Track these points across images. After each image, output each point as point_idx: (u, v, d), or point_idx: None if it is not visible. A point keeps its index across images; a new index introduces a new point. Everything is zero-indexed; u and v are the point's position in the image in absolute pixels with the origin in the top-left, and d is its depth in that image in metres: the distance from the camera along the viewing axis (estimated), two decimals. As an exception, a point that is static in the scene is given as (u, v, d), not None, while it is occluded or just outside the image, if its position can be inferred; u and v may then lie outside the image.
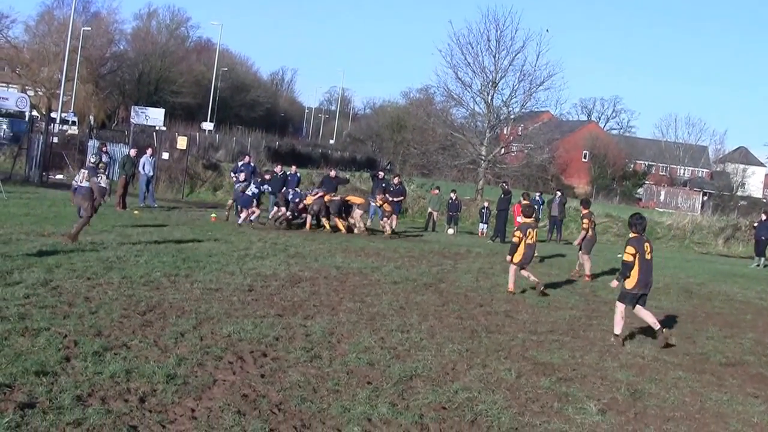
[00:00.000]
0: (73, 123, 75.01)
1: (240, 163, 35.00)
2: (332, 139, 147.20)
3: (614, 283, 15.48)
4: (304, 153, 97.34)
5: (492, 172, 61.08)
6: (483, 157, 59.31)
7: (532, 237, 19.43)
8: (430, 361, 11.81)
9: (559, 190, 44.54)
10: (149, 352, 10.73)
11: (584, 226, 23.61)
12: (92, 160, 25.71)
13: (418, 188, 53.57)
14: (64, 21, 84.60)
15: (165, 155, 45.69)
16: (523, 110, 62.58)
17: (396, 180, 37.39)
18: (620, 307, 14.70)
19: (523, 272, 19.47)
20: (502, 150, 63.46)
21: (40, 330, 11.12)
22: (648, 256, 14.60)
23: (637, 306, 14.77)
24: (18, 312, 12.05)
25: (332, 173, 36.88)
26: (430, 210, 41.35)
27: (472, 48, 59.42)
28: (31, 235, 20.54)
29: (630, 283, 14.59)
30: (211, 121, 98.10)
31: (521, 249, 19.12)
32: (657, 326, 14.74)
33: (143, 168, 35.02)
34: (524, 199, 24.95)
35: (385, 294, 17.38)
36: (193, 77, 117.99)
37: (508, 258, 19.28)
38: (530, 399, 10.46)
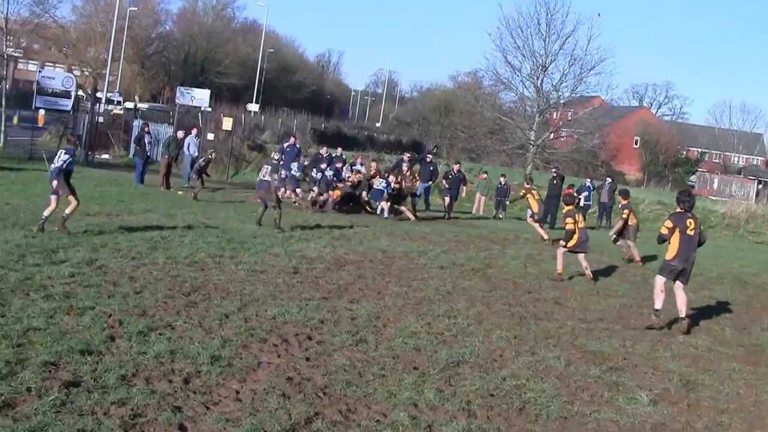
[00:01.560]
0: (119, 103, 75.28)
1: (285, 144, 34.96)
2: (378, 122, 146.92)
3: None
4: (350, 135, 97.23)
5: (541, 157, 60.64)
6: (532, 142, 58.93)
7: (581, 222, 19.24)
8: (478, 348, 11.66)
9: (609, 177, 44.13)
10: (194, 333, 10.68)
11: (623, 215, 23.43)
12: (275, 157, 26.10)
13: (466, 173, 53.29)
14: (111, 1, 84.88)
15: (210, 136, 45.67)
16: (573, 95, 62.02)
17: (456, 167, 37.05)
18: (659, 281, 14.59)
19: (580, 257, 19.29)
20: (552, 135, 63.01)
21: (85, 309, 11.10)
22: (690, 232, 14.45)
23: (677, 283, 14.57)
24: (63, 291, 12.06)
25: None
26: (478, 194, 41.09)
27: (522, 31, 59.01)
28: (77, 215, 20.52)
29: (669, 254, 14.54)
30: (256, 102, 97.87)
31: (577, 235, 18.97)
32: (682, 314, 14.53)
33: (188, 148, 35.00)
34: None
35: (431, 279, 17.22)
36: (239, 58, 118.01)
37: (562, 243, 19.10)
38: (580, 388, 10.30)
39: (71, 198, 17.92)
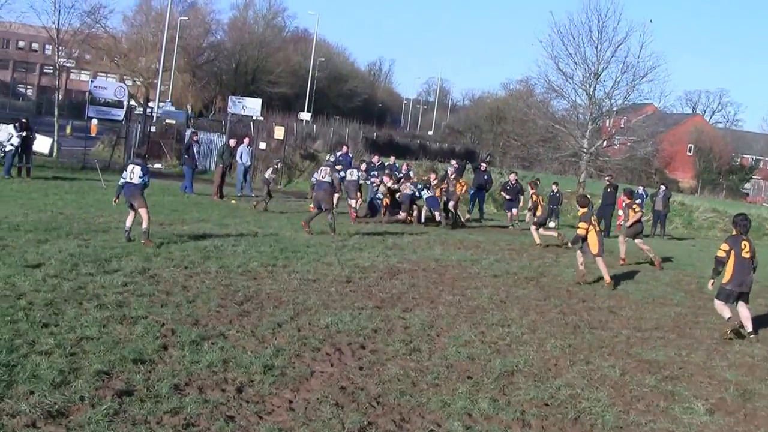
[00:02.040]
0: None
1: (338, 153, 34.92)
2: (431, 130, 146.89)
3: (711, 284, 15.30)
4: (402, 144, 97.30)
5: (594, 165, 60.16)
6: (585, 150, 58.46)
7: (595, 227, 19.31)
8: (532, 357, 11.55)
9: (663, 184, 43.57)
10: (246, 342, 10.66)
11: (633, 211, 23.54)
12: (331, 159, 26.26)
13: (519, 180, 52.89)
14: (161, 11, 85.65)
15: (262, 145, 45.83)
16: (625, 102, 61.41)
17: (513, 177, 36.75)
18: (719, 304, 14.66)
19: (598, 261, 19.17)
20: (605, 143, 62.52)
21: (137, 318, 11.14)
22: (746, 255, 14.43)
23: (739, 303, 14.53)
24: (116, 300, 12.11)
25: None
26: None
27: (574, 39, 58.40)
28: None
29: (725, 278, 14.53)
30: (308, 111, 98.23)
31: (595, 239, 18.93)
32: (749, 329, 14.45)
33: (241, 157, 35.12)
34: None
35: (485, 287, 17.09)
36: (290, 67, 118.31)
37: (571, 245, 19.08)
38: (635, 397, 10.15)
39: (144, 211, 18.24)
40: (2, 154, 31.99)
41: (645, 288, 19.03)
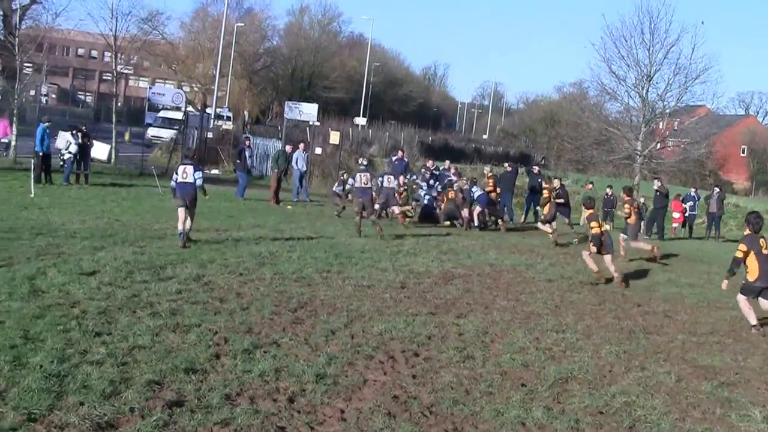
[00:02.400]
0: (228, 118, 76.11)
1: (394, 158, 34.91)
2: (485, 134, 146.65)
3: (725, 285, 15.59)
4: (458, 148, 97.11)
5: (648, 168, 59.69)
6: (638, 152, 58.01)
7: (604, 225, 19.76)
8: (587, 363, 11.42)
9: (717, 186, 43.23)
10: (299, 350, 10.62)
11: (625, 210, 23.73)
12: (364, 163, 26.45)
13: (573, 183, 52.69)
14: (218, 17, 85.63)
15: (318, 150, 45.91)
16: (678, 104, 60.95)
17: (557, 183, 36.51)
18: (742, 300, 14.98)
19: (606, 259, 19.27)
20: (658, 145, 61.99)
21: (190, 326, 11.17)
22: (766, 251, 14.84)
23: (760, 299, 14.84)
24: (170, 308, 12.15)
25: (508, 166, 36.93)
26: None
27: (626, 41, 57.85)
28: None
29: (751, 276, 14.85)
30: (363, 116, 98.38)
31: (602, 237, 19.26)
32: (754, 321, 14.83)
33: (296, 163, 35.16)
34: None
35: (539, 292, 16.98)
36: (345, 72, 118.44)
37: (593, 249, 18.96)
38: (691, 404, 10.00)
39: (194, 212, 19.38)
40: (62, 162, 32.33)
41: (700, 291, 18.80)
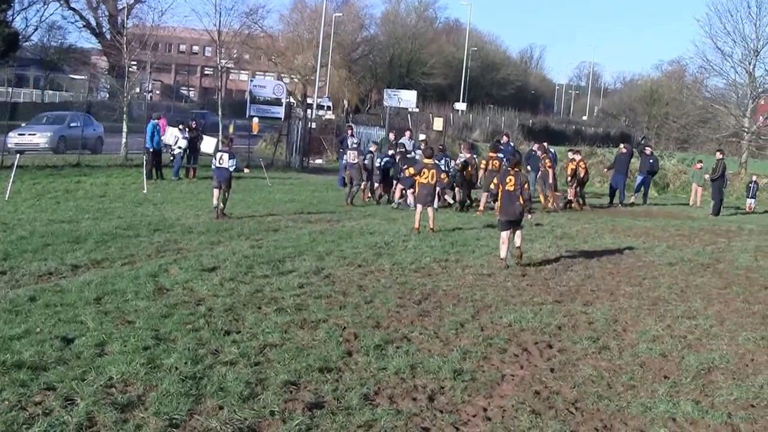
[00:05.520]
0: (329, 108, 76.34)
1: (501, 142, 34.51)
2: (585, 115, 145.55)
3: None
4: (558, 130, 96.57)
5: (756, 144, 58.51)
6: (746, 129, 56.89)
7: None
8: (726, 351, 10.97)
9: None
10: (431, 344, 10.39)
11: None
12: (354, 143, 27.66)
13: (679, 162, 51.69)
14: (317, 9, 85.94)
15: (422, 137, 45.73)
16: (787, 78, 59.70)
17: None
18: None
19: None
20: (765, 120, 60.71)
21: (318, 322, 11.01)
22: None
23: None
24: (294, 303, 12.04)
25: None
26: (694, 185, 39.66)
27: (732, 16, 57.09)
28: (299, 222, 20.70)
29: None
30: (463, 101, 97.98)
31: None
32: None
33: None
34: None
35: (662, 276, 16.50)
36: (443, 58, 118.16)
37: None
38: None
39: (229, 192, 22.18)
40: (171, 157, 32.66)
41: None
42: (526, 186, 16.75)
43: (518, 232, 16.87)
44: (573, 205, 30.36)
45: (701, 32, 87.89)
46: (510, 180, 16.83)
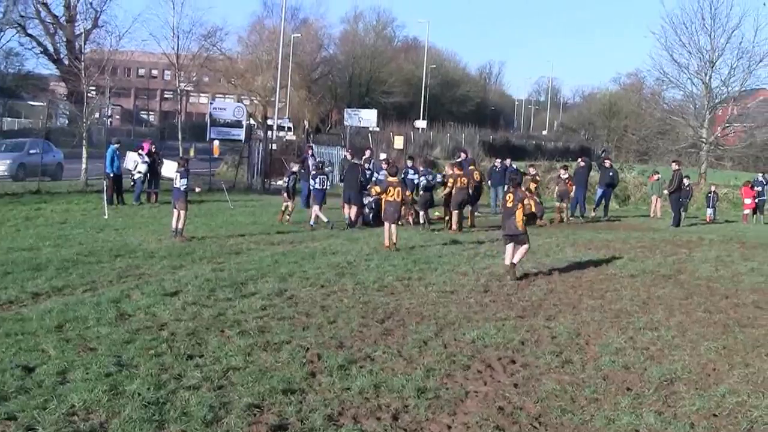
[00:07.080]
0: (289, 129, 76.32)
1: (460, 159, 34.61)
2: (545, 129, 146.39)
3: None
4: (519, 145, 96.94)
5: (714, 155, 59.11)
6: (704, 140, 57.42)
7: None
8: (688, 362, 11.07)
9: (785, 170, 42.73)
10: (394, 363, 10.41)
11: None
12: (294, 169, 27.69)
13: (639, 175, 52.09)
14: (275, 29, 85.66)
15: (382, 156, 45.81)
16: (742, 89, 60.38)
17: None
18: None
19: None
20: (722, 130, 61.31)
21: (281, 344, 11.01)
22: None
23: None
24: (257, 325, 12.03)
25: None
26: (654, 197, 39.96)
27: (687, 28, 57.64)
28: (261, 244, 20.71)
29: None
30: (423, 119, 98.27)
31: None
32: None
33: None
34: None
35: (624, 288, 16.63)
36: (402, 76, 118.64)
37: None
38: (806, 401, 9.58)
39: (184, 213, 21.85)
40: (132, 182, 32.62)
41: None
42: (526, 202, 17.32)
43: (519, 249, 17.42)
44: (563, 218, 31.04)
45: (657, 45, 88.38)
46: (509, 197, 17.71)
